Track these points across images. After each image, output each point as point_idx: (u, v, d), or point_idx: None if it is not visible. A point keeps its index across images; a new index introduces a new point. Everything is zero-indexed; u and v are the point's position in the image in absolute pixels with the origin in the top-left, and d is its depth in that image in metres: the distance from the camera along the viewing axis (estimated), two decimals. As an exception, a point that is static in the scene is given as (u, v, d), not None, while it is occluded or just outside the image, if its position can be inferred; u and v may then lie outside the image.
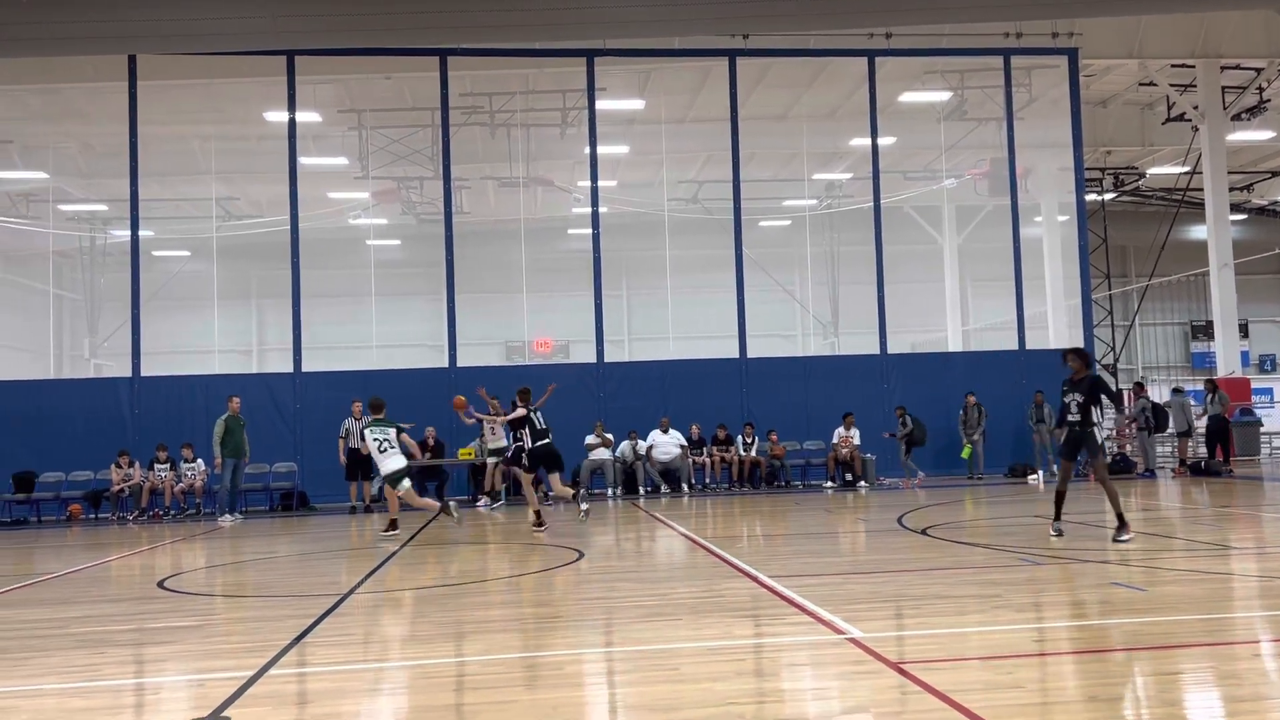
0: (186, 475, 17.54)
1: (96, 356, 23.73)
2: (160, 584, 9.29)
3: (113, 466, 17.41)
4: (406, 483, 12.71)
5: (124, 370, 19.23)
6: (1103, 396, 9.91)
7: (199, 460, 17.57)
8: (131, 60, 18.93)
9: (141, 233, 19.57)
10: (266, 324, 23.92)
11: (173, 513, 17.29)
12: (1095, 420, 9.76)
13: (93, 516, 17.52)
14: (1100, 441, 9.84)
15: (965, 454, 19.20)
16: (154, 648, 6.48)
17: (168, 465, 17.49)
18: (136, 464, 17.53)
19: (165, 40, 16.06)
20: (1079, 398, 9.77)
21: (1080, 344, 21.24)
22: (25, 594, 9.13)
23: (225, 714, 4.71)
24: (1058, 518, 9.99)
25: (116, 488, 17.33)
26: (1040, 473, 18.78)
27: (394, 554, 10.91)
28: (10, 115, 20.64)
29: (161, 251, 23.46)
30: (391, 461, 12.57)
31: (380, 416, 12.90)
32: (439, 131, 19.94)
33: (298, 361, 19.13)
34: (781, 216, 26.60)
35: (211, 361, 20.93)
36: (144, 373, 18.92)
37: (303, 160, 19.98)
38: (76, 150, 22.02)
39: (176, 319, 22.17)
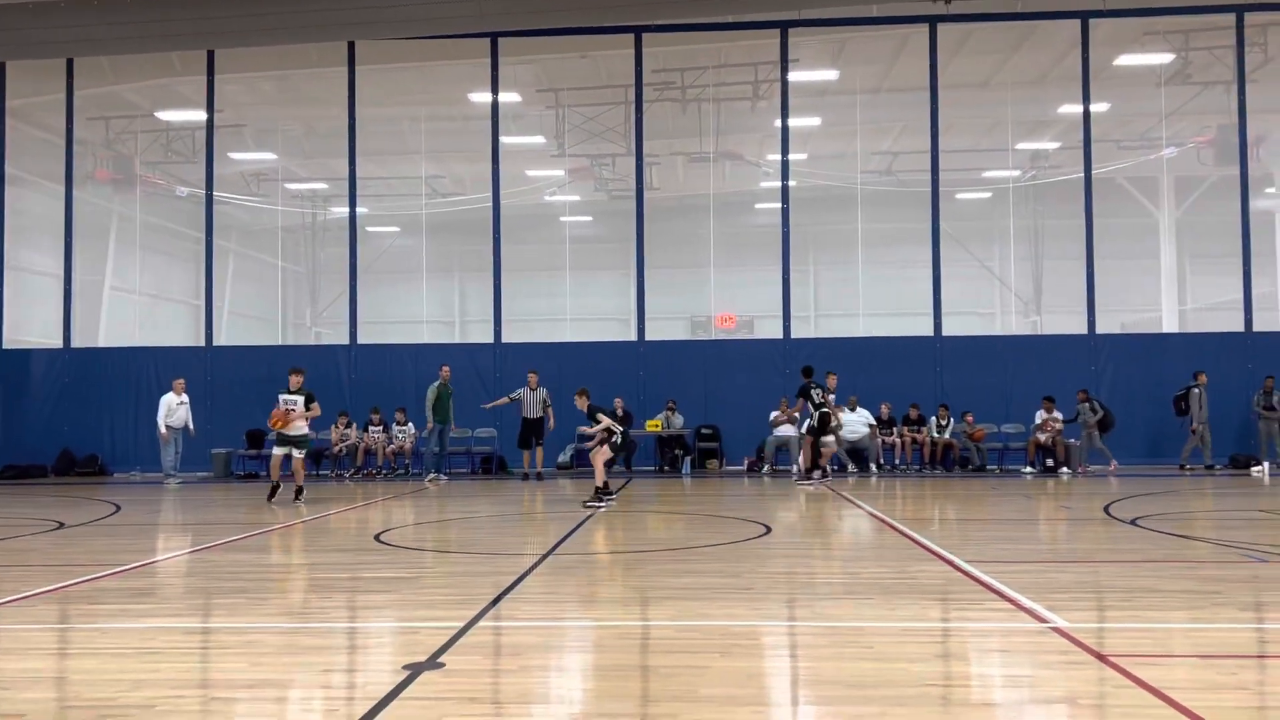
0: (398, 437, 18.71)
1: (317, 325, 25.59)
2: (376, 537, 10.01)
3: (333, 427, 18.79)
4: (298, 453, 13.36)
5: (342, 338, 20.71)
6: None
7: (410, 424, 18.71)
8: (351, 46, 20.19)
9: (358, 210, 20.94)
10: (468, 296, 25.05)
11: (384, 472, 18.50)
12: None
13: (313, 473, 18.97)
14: None
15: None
16: (373, 595, 7.01)
17: (380, 427, 18.71)
18: (354, 425, 18.84)
19: (382, 26, 17.05)
20: None
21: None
22: (260, 540, 10.05)
23: (440, 660, 5.06)
24: None
25: (336, 447, 18.71)
26: (1266, 464, 17.36)
27: (589, 518, 11.30)
28: (244, 101, 22.44)
29: (375, 227, 24.98)
30: (299, 427, 13.22)
31: (299, 383, 13.34)
32: (632, 108, 20.25)
33: (498, 332, 20.02)
34: (981, 189, 25.45)
35: (420, 331, 22.20)
36: (360, 341, 20.30)
37: (503, 139, 20.77)
38: (301, 132, 23.71)
39: (388, 291, 23.60)
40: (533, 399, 17.37)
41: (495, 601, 6.55)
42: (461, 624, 5.83)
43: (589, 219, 25.60)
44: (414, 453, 18.78)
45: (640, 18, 19.11)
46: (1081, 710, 4.22)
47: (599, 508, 12.35)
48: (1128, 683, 4.50)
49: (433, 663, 4.99)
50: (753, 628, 5.78)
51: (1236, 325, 19.42)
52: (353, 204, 20.66)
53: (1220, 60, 19.96)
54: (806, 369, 16.16)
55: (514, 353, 19.71)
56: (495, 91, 20.21)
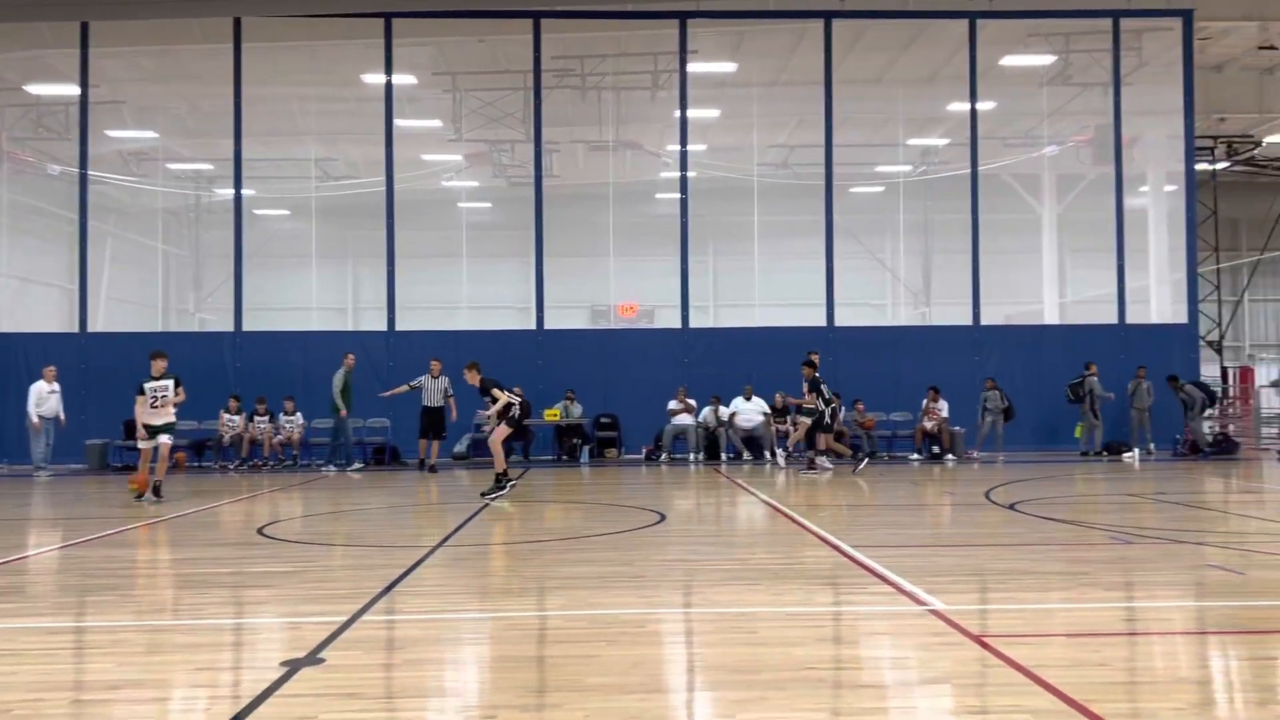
0: (285, 428, 18.19)
1: (201, 311, 24.68)
2: (260, 531, 9.71)
3: (222, 411, 18.15)
4: (168, 439, 12.23)
5: (227, 325, 20.01)
6: None
7: (298, 414, 18.21)
8: (237, 23, 19.48)
9: (244, 192, 20.24)
10: (362, 283, 24.50)
11: (270, 463, 17.97)
12: None
13: (197, 465, 18.31)
14: None
15: (1079, 432, 18.90)
16: (254, 590, 6.79)
17: (267, 417, 18.17)
18: (242, 414, 18.24)
19: (269, 3, 16.47)
20: None
21: (1187, 319, 20.48)
22: (136, 536, 9.64)
23: (321, 655, 4.93)
24: None
25: (223, 431, 18.06)
26: (1137, 450, 18.24)
27: (484, 508, 11.18)
28: (122, 76, 21.44)
29: (263, 210, 24.20)
30: (168, 414, 12.28)
31: (163, 368, 12.34)
32: (531, 94, 20.07)
33: (391, 320, 19.62)
34: (874, 183, 26.09)
35: (309, 318, 21.61)
36: (245, 328, 19.65)
37: (398, 122, 20.34)
38: (185, 111, 22.79)
39: (276, 276, 22.91)
40: (434, 387, 17.00)
41: (383, 594, 6.42)
42: (346, 618, 5.69)
43: (487, 205, 25.31)
44: (302, 443, 18.31)
45: (538, 3, 18.96)
46: (954, 689, 4.35)
47: (501, 494, 12.11)
48: (999, 662, 4.66)
49: (313, 658, 4.86)
50: (641, 615, 5.79)
51: (1111, 318, 20.34)
52: (238, 186, 19.96)
53: (1098, 63, 20.83)
54: (813, 361, 16.20)
55: (408, 341, 19.35)
56: (389, 73, 19.77)
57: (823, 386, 16.04)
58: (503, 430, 12.29)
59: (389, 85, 19.79)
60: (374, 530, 10.13)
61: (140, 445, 12.28)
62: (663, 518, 10.25)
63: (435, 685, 4.57)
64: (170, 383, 12.26)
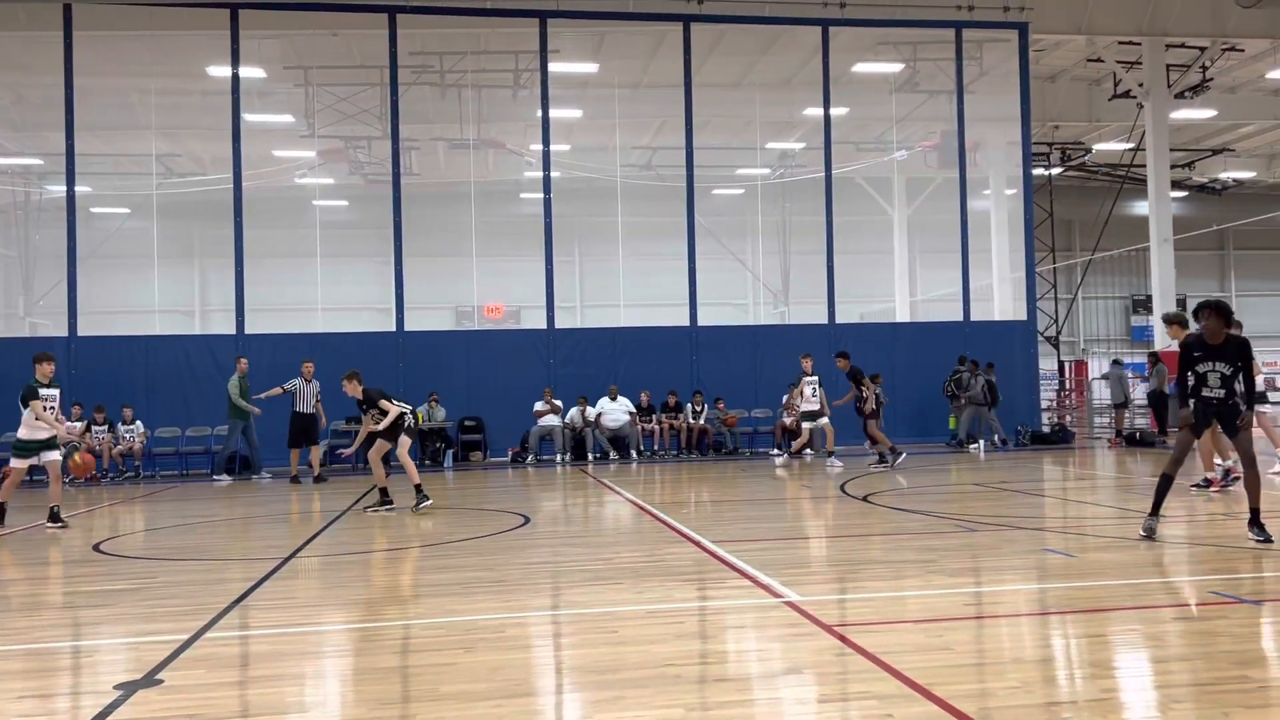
0: (125, 438, 17.22)
1: (32, 315, 23.12)
2: (96, 547, 9.15)
3: (64, 424, 16.96)
4: (56, 456, 10.69)
5: (60, 329, 18.77)
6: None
7: (138, 422, 17.27)
8: (67, 9, 18.32)
9: (78, 188, 19.04)
10: (209, 284, 23.47)
11: (110, 475, 16.98)
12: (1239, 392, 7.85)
13: (29, 479, 17.10)
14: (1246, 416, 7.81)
15: (953, 423, 19.72)
16: (88, 611, 6.40)
17: (105, 427, 17.16)
18: (85, 421, 17.13)
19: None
20: (1223, 367, 7.70)
21: (1026, 316, 21.60)
22: (-45, 556, 8.94)
23: (159, 676, 4.67)
24: (1155, 512, 7.87)
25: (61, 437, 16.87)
26: (981, 442, 19.12)
27: (339, 517, 10.84)
28: (-62, 64, 19.91)
29: (99, 208, 22.86)
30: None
31: (51, 372, 10.77)
32: (388, 90, 19.60)
33: (241, 323, 18.82)
34: (734, 185, 26.60)
35: (151, 322, 20.49)
36: (81, 332, 18.48)
37: (247, 117, 19.53)
38: (10, 102, 21.30)
39: (115, 278, 21.65)
40: (308, 391, 16.20)
41: (229, 610, 6.15)
42: (187, 636, 5.42)
43: (344, 204, 24.62)
44: (144, 454, 17.37)
45: (393, -3, 18.58)
46: (807, 679, 4.45)
47: (385, 508, 11.06)
48: (850, 650, 4.80)
49: (150, 680, 4.61)
50: (501, 620, 5.71)
51: (957, 315, 21.29)
52: (71, 182, 18.74)
53: (943, 71, 21.77)
54: (845, 354, 16.00)
55: (260, 344, 18.60)
56: (236, 65, 18.94)
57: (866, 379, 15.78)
58: (405, 441, 11.31)
59: (236, 78, 18.98)
60: (223, 543, 9.69)
61: (15, 463, 10.62)
62: (527, 520, 10.16)
63: (284, 702, 4.39)
64: (57, 391, 10.90)
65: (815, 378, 16.10)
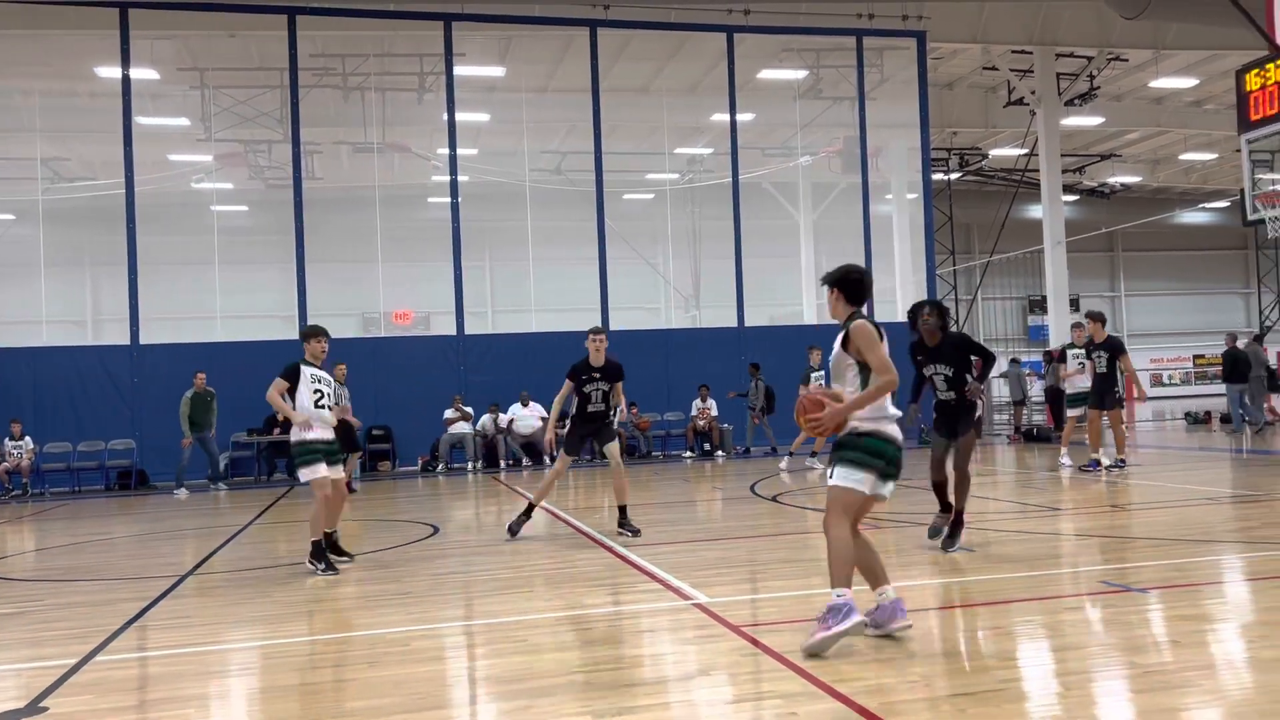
0: (12, 454, 16.44)
1: (-92, 327, 21.90)
2: (-22, 570, 8.71)
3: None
4: None
5: (-61, 342, 17.84)
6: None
7: (26, 438, 16.51)
8: (-59, 6, 17.44)
9: (-44, 194, 18.13)
10: (101, 293, 22.53)
11: (-4, 494, 16.20)
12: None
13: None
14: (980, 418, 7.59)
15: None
16: (-33, 638, 6.07)
17: (-9, 443, 16.36)
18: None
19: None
20: (945, 369, 7.43)
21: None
22: None
23: (43, 704, 4.46)
24: (946, 509, 7.57)
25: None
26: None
27: (240, 532, 10.53)
28: None
29: (-20, 215, 21.81)
30: None
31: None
32: (288, 93, 19.13)
33: (135, 332, 18.13)
34: (644, 190, 26.70)
35: (39, 332, 19.58)
36: (-38, 344, 17.59)
37: (139, 120, 18.85)
38: (-121, 101, 20.17)
39: (-1, 287, 20.67)
40: (342, 397, 15.52)
41: (120, 631, 5.92)
42: (76, 660, 5.20)
43: (244, 209, 23.92)
44: (33, 470, 16.61)
45: (292, -2, 18.16)
46: (714, 681, 4.47)
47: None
48: (757, 650, 4.84)
49: (33, 708, 4.40)
50: (406, 633, 5.61)
51: (861, 317, 21.70)
52: (-52, 187, 17.85)
53: (845, 78, 22.23)
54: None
55: (155, 355, 17.95)
56: (126, 66, 18.25)
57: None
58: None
59: (126, 80, 18.29)
60: (117, 562, 9.31)
61: None
62: (436, 530, 10.02)
63: (176, 726, 4.23)
64: None
65: (822, 371, 15.62)
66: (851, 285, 5.23)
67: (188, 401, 15.88)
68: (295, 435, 7.84)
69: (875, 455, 4.89)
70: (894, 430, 4.97)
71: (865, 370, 4.97)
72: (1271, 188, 15.84)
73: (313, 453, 7.79)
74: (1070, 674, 4.40)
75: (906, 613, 4.95)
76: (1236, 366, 19.11)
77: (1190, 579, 6.21)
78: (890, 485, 4.99)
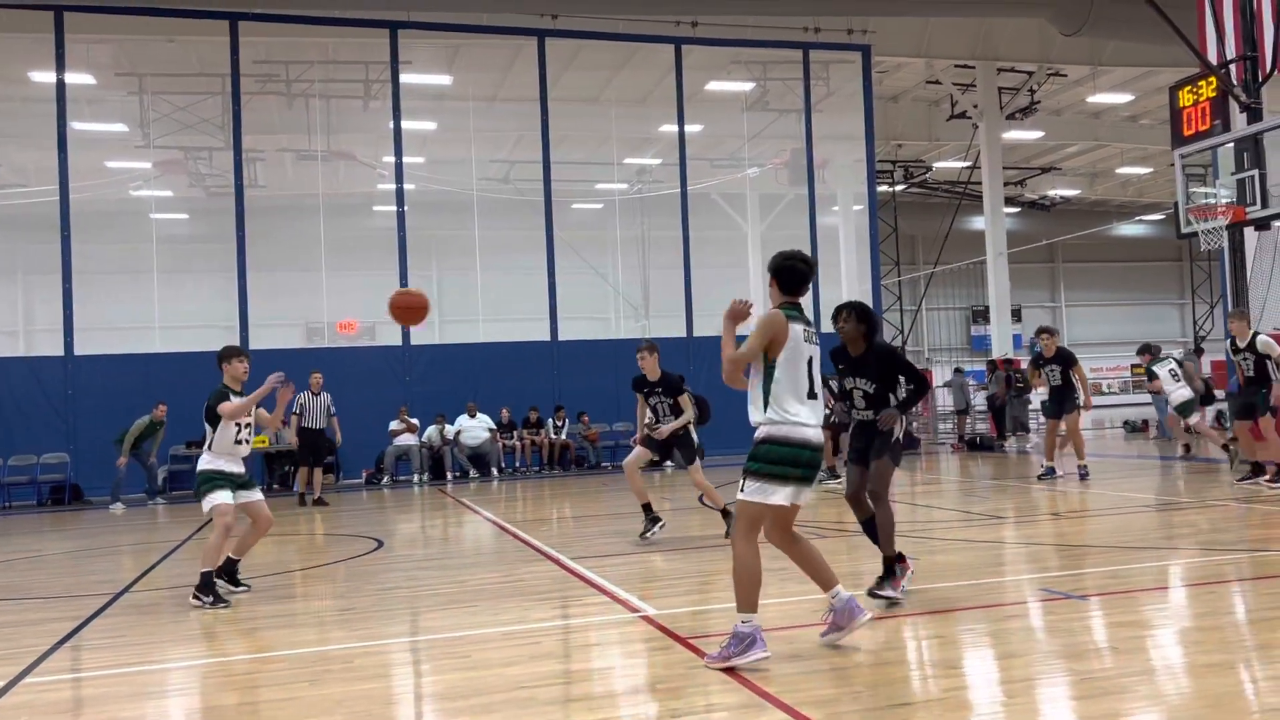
0: (-61, 469, 15.93)
1: None
2: (-100, 590, 8.39)
3: None
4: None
5: None
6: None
7: (-45, 452, 16.02)
8: None
9: (-119, 200, 17.55)
10: (34, 303, 21.92)
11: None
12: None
13: None
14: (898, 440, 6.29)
15: None
16: (-114, 662, 5.83)
17: (-84, 458, 15.83)
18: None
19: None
20: (865, 384, 6.24)
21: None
22: None
23: (-35, 731, 4.29)
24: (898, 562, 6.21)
25: None
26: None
27: (177, 548, 10.27)
28: None
29: (-93, 222, 21.11)
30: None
31: None
32: (229, 99, 18.82)
33: (69, 343, 17.66)
34: (593, 200, 26.70)
35: (-31, 344, 19.06)
36: (-114, 356, 17.01)
37: (74, 125, 18.40)
38: None
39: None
40: (316, 405, 15.11)
41: (50, 652, 5.73)
42: (4, 683, 5.04)
43: (184, 217, 23.48)
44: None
45: (235, 4, 17.87)
46: (660, 693, 4.44)
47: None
48: (702, 662, 4.81)
49: (-46, 736, 4.22)
50: (348, 650, 5.51)
51: (809, 327, 21.88)
52: (-126, 193, 17.27)
53: (792, 91, 22.45)
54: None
55: (90, 366, 17.50)
56: (61, 71, 17.82)
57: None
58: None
59: (61, 84, 17.85)
60: (48, 580, 9.03)
61: None
62: (381, 544, 9.87)
63: (105, 751, 4.10)
64: None
65: None
66: (785, 274, 4.96)
67: (141, 427, 15.49)
68: (204, 463, 7.36)
69: (778, 463, 4.70)
70: (802, 434, 4.71)
71: (771, 366, 4.72)
72: (1204, 201, 16.27)
73: (218, 481, 7.30)
74: (1013, 681, 4.45)
75: (863, 607, 4.94)
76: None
77: (1128, 585, 6.32)
78: (795, 490, 4.76)
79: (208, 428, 7.38)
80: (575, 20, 19.91)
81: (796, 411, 4.72)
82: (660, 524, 9.22)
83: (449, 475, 18.34)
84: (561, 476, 18.13)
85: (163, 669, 5.42)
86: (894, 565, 6.04)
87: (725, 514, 8.95)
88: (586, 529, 10.83)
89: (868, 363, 6.16)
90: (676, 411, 9.25)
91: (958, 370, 23.07)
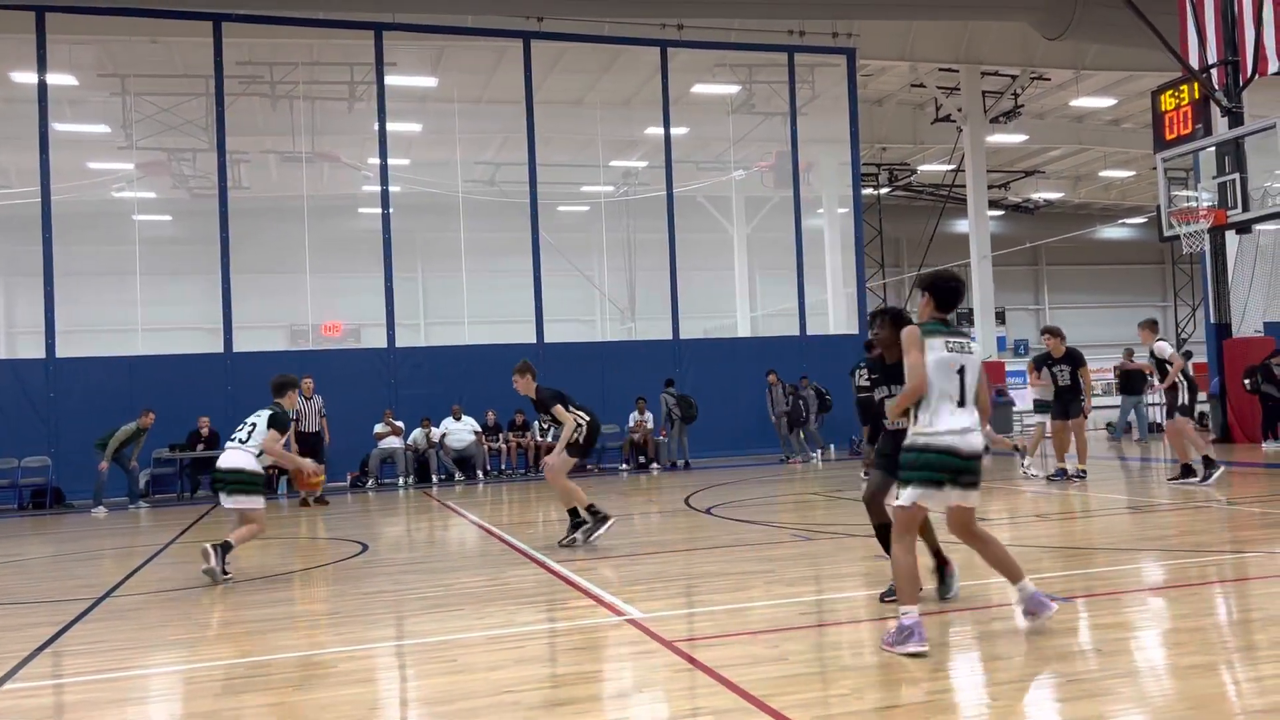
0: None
1: None
2: (-122, 596, 8.30)
3: None
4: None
5: None
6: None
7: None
8: None
9: None
10: (15, 305, 21.78)
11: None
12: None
13: None
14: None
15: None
16: None
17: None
18: None
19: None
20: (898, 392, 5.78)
21: (858, 330, 22.42)
22: None
23: (-56, 738, 4.25)
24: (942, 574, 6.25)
25: None
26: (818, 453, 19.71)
27: (159, 552, 10.21)
28: None
29: (-113, 222, 20.93)
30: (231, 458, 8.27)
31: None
32: (213, 101, 18.74)
33: (51, 345, 17.53)
34: (579, 202, 26.70)
35: (-51, 346, 18.92)
36: None
37: (56, 126, 18.29)
38: None
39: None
40: (309, 409, 15.15)
41: (31, 657, 5.67)
42: (-20, 691, 4.96)
43: (167, 218, 23.38)
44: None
45: (219, 5, 17.78)
46: (646, 698, 4.43)
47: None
48: (689, 666, 4.82)
49: (-68, 743, 4.18)
50: (333, 655, 5.47)
51: (794, 330, 21.96)
52: None
53: (777, 94, 22.50)
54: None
55: (73, 368, 17.39)
56: (43, 71, 17.72)
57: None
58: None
59: (43, 85, 17.74)
60: (29, 584, 8.95)
61: None
62: (365, 548, 9.83)
63: (87, 758, 4.06)
64: None
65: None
66: (940, 292, 5.24)
67: (127, 434, 15.39)
68: (252, 464, 8.11)
69: (925, 468, 4.97)
70: (948, 441, 4.95)
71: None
72: (1185, 204, 16.39)
73: (259, 485, 8.24)
74: (998, 684, 4.46)
75: (1049, 601, 5.16)
76: (1130, 380, 20.51)
77: (1112, 587, 6.36)
78: (940, 491, 5.01)
79: (265, 431, 8.13)
80: (560, 23, 19.91)
81: (945, 420, 4.97)
82: (607, 523, 9.19)
83: (434, 478, 18.28)
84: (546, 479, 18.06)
85: (145, 674, 5.38)
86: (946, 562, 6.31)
87: (573, 513, 9.25)
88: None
89: (902, 370, 5.90)
90: (556, 425, 9.39)
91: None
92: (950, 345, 5.05)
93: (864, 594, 6.55)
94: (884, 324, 6.02)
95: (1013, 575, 5.24)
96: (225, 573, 7.89)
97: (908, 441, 5.04)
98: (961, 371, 5.04)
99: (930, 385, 4.97)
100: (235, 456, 8.09)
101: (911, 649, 4.78)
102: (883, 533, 6.26)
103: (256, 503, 8.07)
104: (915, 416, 5.04)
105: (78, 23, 17.98)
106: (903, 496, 5.02)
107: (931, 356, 4.96)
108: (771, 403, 19.34)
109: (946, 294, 5.22)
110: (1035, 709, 4.15)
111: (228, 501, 8.18)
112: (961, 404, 5.02)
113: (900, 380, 5.65)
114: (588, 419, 9.52)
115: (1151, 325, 12.19)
